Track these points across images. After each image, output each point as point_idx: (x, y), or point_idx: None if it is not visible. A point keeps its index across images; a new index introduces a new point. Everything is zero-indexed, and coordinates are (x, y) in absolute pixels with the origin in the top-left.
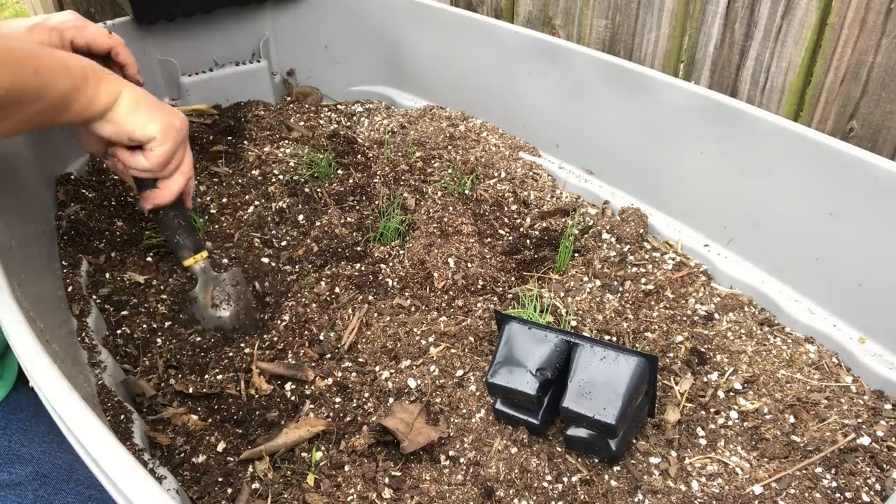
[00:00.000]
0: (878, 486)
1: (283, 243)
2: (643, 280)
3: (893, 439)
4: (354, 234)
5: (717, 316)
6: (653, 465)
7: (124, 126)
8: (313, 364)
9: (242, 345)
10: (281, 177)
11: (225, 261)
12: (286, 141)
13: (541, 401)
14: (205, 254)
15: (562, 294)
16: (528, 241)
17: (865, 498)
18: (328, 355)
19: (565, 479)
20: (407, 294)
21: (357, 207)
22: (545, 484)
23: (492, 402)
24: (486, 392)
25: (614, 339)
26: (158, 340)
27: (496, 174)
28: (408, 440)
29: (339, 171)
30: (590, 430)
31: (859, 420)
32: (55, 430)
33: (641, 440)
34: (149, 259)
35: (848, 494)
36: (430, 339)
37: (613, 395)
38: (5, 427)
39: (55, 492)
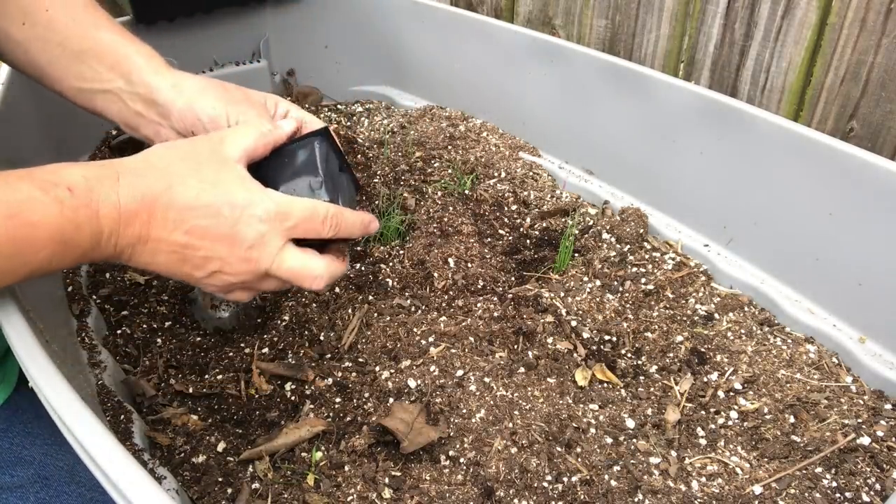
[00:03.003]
0: (878, 486)
1: None
2: (643, 280)
3: (893, 439)
4: None
5: (717, 316)
6: (653, 465)
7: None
8: (313, 364)
9: (242, 345)
10: None
11: None
12: None
13: None
14: None
15: (562, 294)
16: (528, 241)
17: (865, 498)
18: (328, 355)
19: (565, 479)
20: (407, 294)
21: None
22: (545, 484)
23: None
24: (486, 392)
25: (614, 339)
26: (158, 340)
27: (496, 174)
28: (408, 440)
29: None
30: None
31: (859, 420)
32: (57, 431)
33: (641, 440)
34: None
35: (848, 494)
36: (430, 339)
37: (314, 185)
38: (7, 429)
39: (57, 494)
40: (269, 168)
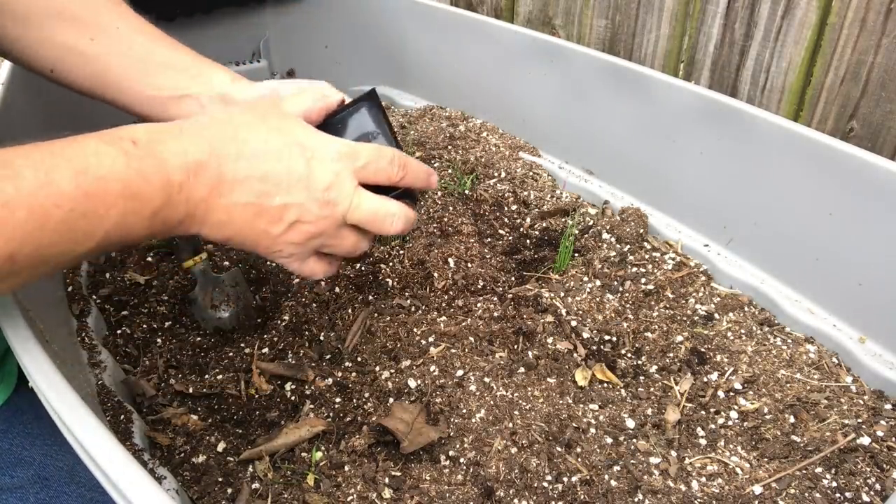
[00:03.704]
0: (878, 486)
1: None
2: (643, 280)
3: (893, 439)
4: None
5: (717, 316)
6: (653, 465)
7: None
8: (313, 364)
9: (242, 345)
10: None
11: (226, 263)
12: None
13: None
14: (204, 255)
15: (562, 294)
16: (528, 241)
17: (865, 498)
18: (328, 355)
19: (565, 479)
20: (407, 294)
21: None
22: (545, 484)
23: None
24: (486, 392)
25: (614, 339)
26: (158, 340)
27: (496, 174)
28: (408, 440)
29: None
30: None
31: (859, 420)
32: (57, 432)
33: (641, 440)
34: (149, 259)
35: (848, 494)
36: (430, 339)
37: (377, 140)
38: (6, 430)
39: (57, 495)
40: None
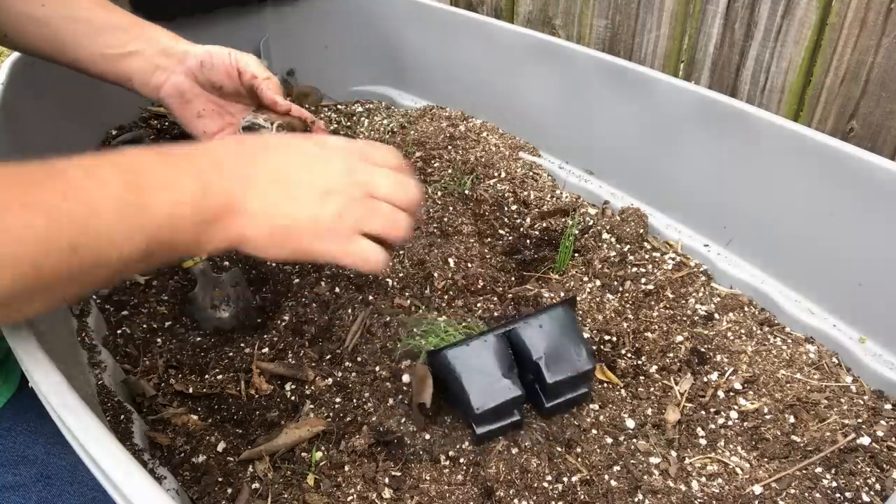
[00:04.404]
0: (878, 486)
1: None
2: (643, 280)
3: (893, 439)
4: None
5: (717, 316)
6: (653, 465)
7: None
8: (313, 364)
9: (242, 345)
10: None
11: (226, 263)
12: None
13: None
14: (204, 255)
15: (562, 294)
16: (528, 241)
17: (865, 498)
18: (328, 355)
19: (565, 479)
20: (407, 294)
21: None
22: (545, 484)
23: (471, 433)
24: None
25: (614, 339)
26: (158, 340)
27: (496, 174)
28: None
29: None
30: (571, 390)
31: (859, 420)
32: (59, 431)
33: (641, 440)
34: None
35: (848, 494)
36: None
37: (573, 344)
38: (10, 428)
39: (59, 493)
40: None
